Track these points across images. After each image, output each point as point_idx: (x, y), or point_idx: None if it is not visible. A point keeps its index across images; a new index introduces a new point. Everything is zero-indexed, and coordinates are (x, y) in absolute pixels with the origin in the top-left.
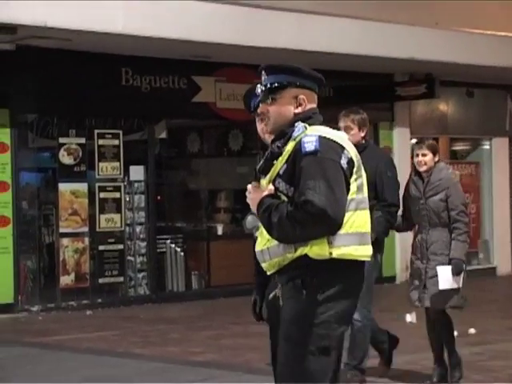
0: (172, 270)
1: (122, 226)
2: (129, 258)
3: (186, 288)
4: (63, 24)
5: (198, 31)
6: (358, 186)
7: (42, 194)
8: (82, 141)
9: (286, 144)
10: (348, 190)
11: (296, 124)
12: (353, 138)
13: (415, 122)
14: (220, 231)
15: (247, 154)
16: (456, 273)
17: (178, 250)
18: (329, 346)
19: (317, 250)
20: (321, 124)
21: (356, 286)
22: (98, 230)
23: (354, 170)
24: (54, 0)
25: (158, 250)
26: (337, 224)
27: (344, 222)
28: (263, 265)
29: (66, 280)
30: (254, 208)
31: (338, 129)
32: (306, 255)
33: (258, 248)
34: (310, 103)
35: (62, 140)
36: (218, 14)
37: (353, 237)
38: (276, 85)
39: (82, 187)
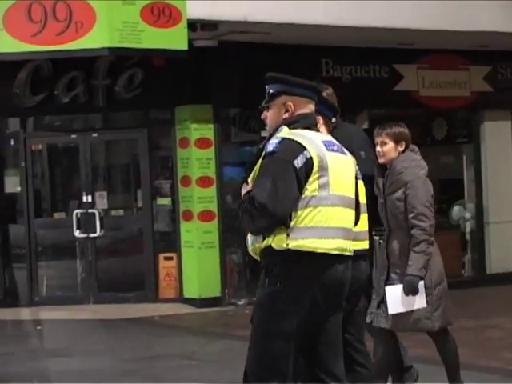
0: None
1: None
2: None
3: None
4: (263, 18)
5: (401, 18)
6: (322, 184)
7: None
8: None
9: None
10: (301, 187)
11: (280, 127)
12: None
13: None
14: None
15: (452, 142)
16: (410, 292)
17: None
18: (286, 332)
19: (277, 240)
20: (307, 127)
21: (317, 276)
22: None
23: (315, 169)
24: None
25: None
26: (277, 217)
27: (303, 216)
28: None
29: None
30: None
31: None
32: (270, 246)
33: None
34: (301, 109)
35: (263, 133)
36: None
37: (311, 230)
38: (270, 93)
39: None
